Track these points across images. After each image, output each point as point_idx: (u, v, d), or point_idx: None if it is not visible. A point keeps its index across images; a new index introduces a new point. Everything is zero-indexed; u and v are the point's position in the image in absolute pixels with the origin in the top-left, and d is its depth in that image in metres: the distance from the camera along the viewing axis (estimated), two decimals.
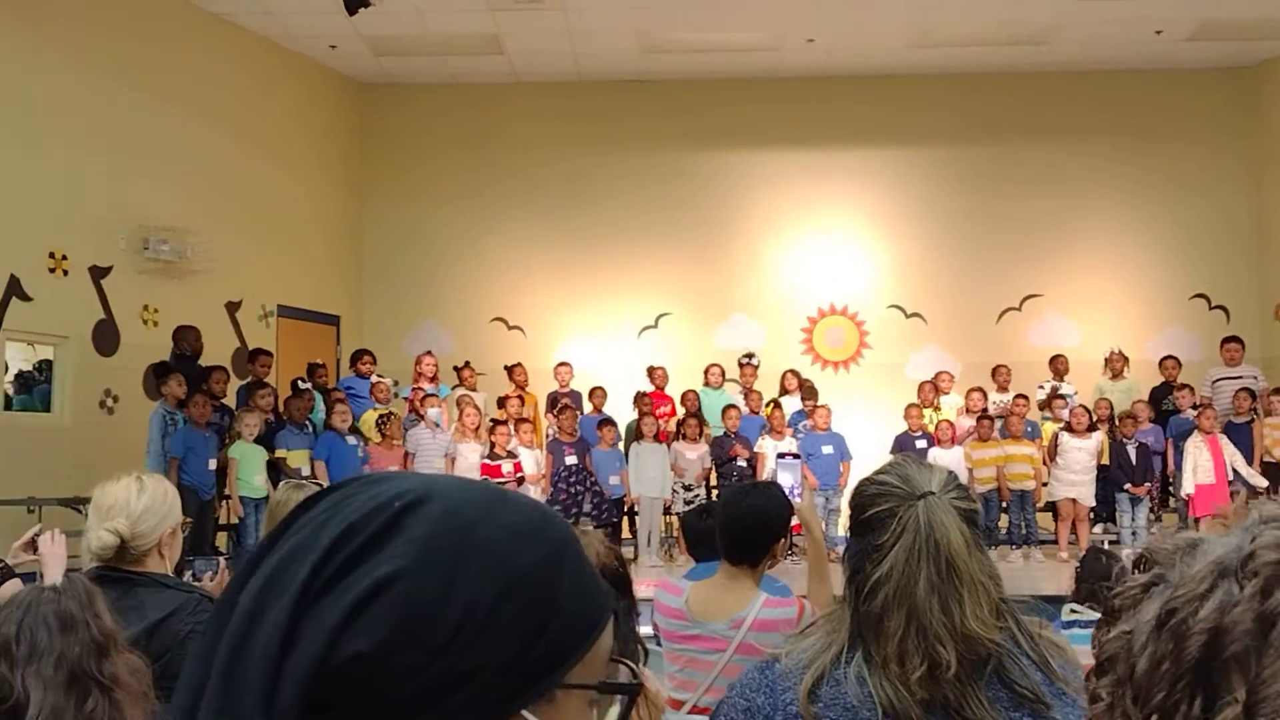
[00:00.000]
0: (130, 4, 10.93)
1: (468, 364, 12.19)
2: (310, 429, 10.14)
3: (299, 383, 10.37)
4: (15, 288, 9.68)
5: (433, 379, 11.54)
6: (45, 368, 10.44)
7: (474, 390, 11.92)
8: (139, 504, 2.91)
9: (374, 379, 11.24)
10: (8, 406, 9.94)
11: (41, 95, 9.89)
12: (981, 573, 1.72)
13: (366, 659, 0.74)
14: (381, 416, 10.46)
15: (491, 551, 0.79)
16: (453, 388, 12.00)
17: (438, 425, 10.73)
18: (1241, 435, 10.95)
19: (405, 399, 11.23)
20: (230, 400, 10.25)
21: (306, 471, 9.47)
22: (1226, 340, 12.34)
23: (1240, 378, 11.78)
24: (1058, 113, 14.04)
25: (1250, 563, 0.77)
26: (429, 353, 12.06)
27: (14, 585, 4.07)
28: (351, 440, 10.07)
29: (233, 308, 12.16)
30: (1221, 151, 14.05)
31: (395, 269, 14.25)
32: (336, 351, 13.59)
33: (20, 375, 10.42)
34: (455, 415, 11.18)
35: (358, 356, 11.77)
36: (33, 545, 3.80)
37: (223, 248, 11.62)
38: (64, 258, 10.17)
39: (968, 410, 11.71)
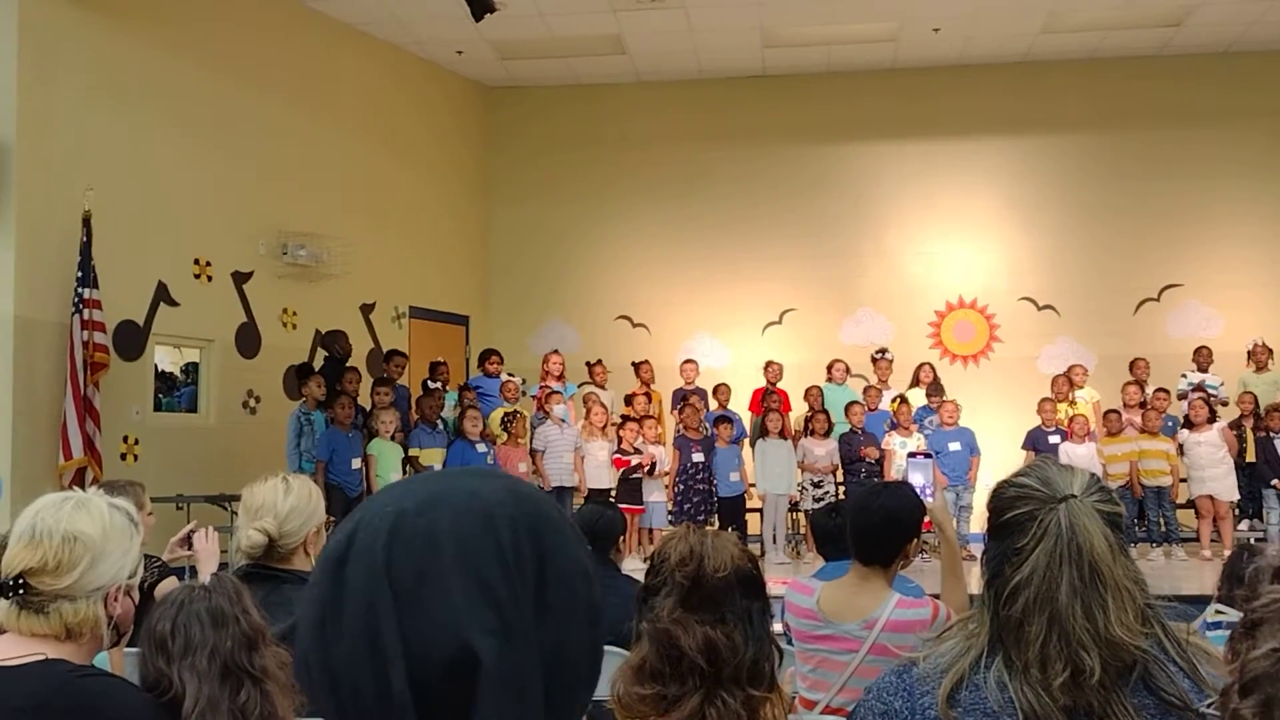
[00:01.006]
0: (267, 15, 11.29)
1: (599, 361, 12.29)
2: (444, 427, 10.33)
3: (429, 383, 10.59)
4: (163, 294, 10.08)
5: (560, 377, 11.67)
6: (191, 370, 10.86)
7: (604, 387, 12.01)
8: (285, 504, 3.02)
9: (503, 378, 11.41)
10: (157, 408, 10.37)
11: (184, 106, 10.28)
12: (1126, 578, 1.68)
13: None
14: (507, 415, 10.60)
15: None
16: (579, 385, 12.12)
17: (564, 421, 10.85)
18: None
19: (533, 397, 11.38)
20: (364, 400, 10.52)
21: (438, 469, 9.66)
22: None
23: None
24: (1193, 96, 13.56)
25: None
26: (555, 351, 12.20)
27: (170, 583, 4.27)
28: (481, 448, 10.20)
29: (367, 309, 12.49)
30: None
31: (521, 268, 14.46)
32: (466, 351, 13.84)
33: (163, 375, 10.86)
34: (582, 413, 11.29)
35: (485, 356, 11.97)
36: (188, 542, 3.98)
37: (357, 251, 11.93)
38: (208, 264, 10.56)
39: (1125, 404, 11.35)
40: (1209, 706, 1.64)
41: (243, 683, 2.17)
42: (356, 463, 9.55)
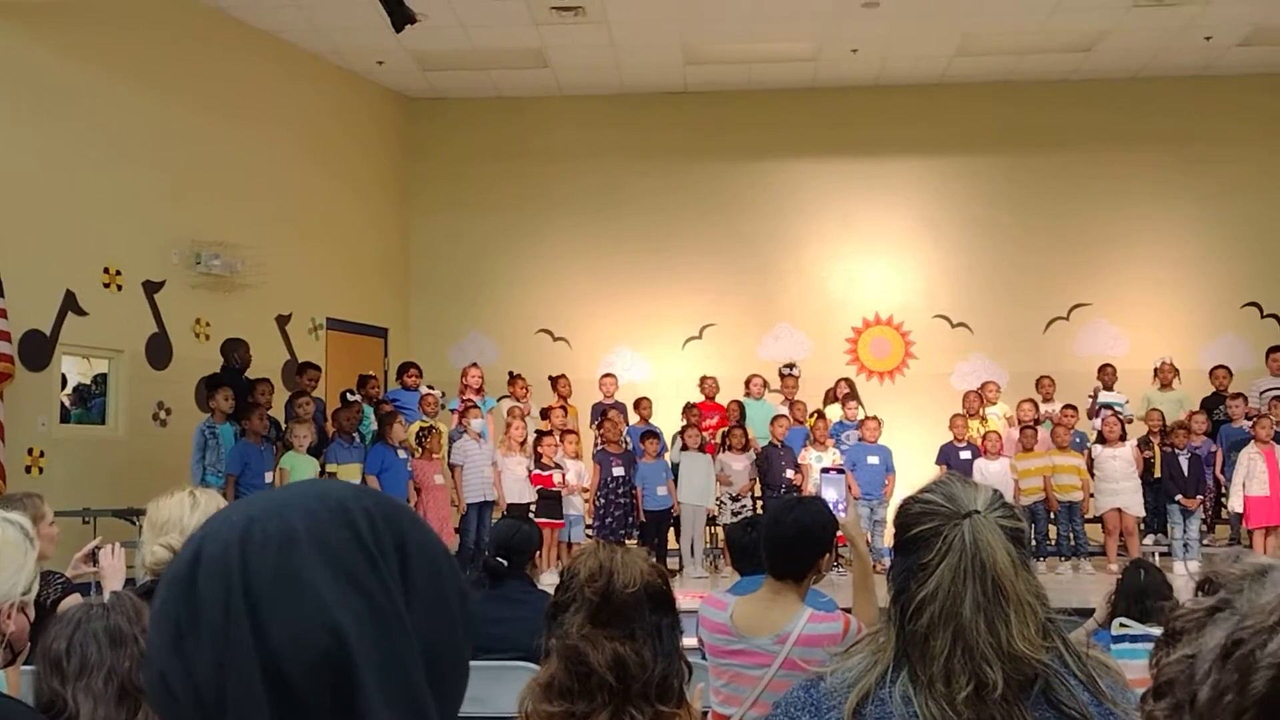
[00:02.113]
0: (182, 21, 11.11)
1: (520, 376, 12.25)
2: (359, 441, 10.21)
3: (348, 395, 10.46)
4: (71, 302, 9.85)
5: (479, 391, 11.60)
6: (100, 381, 10.61)
7: (524, 401, 11.96)
8: (192, 519, 2.96)
9: (423, 391, 11.31)
10: (65, 419, 10.10)
11: (94, 112, 10.07)
12: (1028, 592, 1.70)
13: None
14: (423, 429, 10.51)
15: None
16: (498, 399, 12.06)
17: (481, 436, 10.78)
18: None
19: (453, 411, 11.29)
20: (278, 413, 10.35)
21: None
22: (1273, 350, 12.14)
23: None
24: (1105, 120, 13.91)
25: None
26: (475, 364, 12.13)
27: (74, 599, 4.16)
28: (403, 454, 10.11)
29: (283, 320, 12.31)
30: (1272, 157, 13.86)
31: (441, 280, 14.37)
32: (384, 364, 13.70)
33: (77, 388, 10.59)
34: (502, 427, 11.23)
35: (404, 369, 11.85)
36: (93, 558, 3.88)
37: (273, 261, 11.77)
38: (118, 273, 10.34)
39: (1019, 421, 11.60)
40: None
41: (140, 704, 2.12)
42: (269, 476, 9.38)
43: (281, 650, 0.82)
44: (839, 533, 3.47)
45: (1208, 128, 13.83)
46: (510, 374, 12.26)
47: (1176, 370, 12.26)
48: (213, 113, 11.39)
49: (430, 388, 11.41)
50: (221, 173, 11.41)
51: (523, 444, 10.83)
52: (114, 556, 3.78)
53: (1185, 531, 10.78)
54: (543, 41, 12.63)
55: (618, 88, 14.17)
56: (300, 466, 9.47)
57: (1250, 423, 10.82)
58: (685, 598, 5.54)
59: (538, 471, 10.54)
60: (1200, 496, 10.86)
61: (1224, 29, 12.48)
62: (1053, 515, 11.07)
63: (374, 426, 10.43)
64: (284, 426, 9.97)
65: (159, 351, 10.78)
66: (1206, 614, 0.81)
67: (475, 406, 11.09)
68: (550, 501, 10.53)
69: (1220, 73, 13.75)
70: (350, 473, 9.68)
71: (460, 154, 14.43)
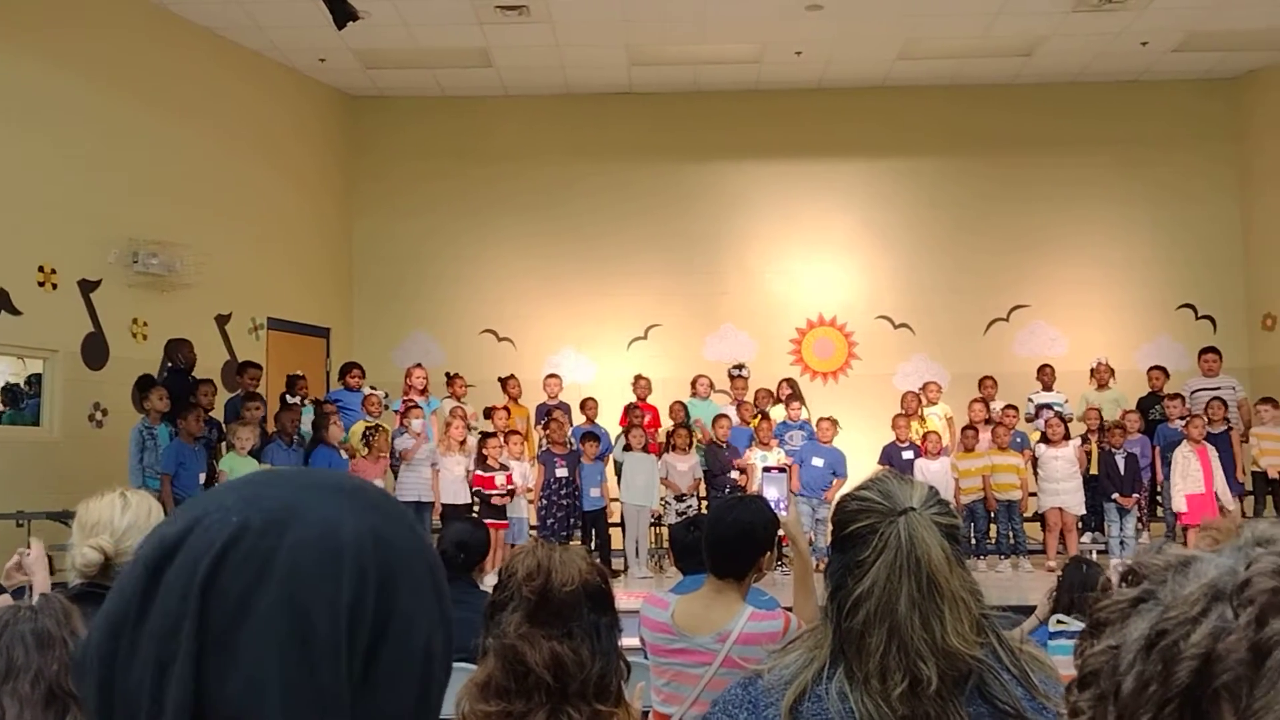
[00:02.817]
0: (118, 16, 10.94)
1: (458, 375, 12.18)
2: (299, 443, 10.10)
3: (287, 397, 10.35)
4: (4, 301, 9.66)
5: (423, 391, 11.52)
6: (34, 382, 10.42)
7: (463, 400, 11.91)
8: (123, 521, 2.91)
9: (365, 391, 11.22)
10: None
11: (29, 108, 9.89)
12: (963, 589, 1.72)
13: None
14: (368, 429, 10.44)
15: None
16: (443, 399, 11.99)
17: (419, 434, 10.70)
18: (1220, 445, 10.97)
19: (396, 411, 11.21)
20: (218, 414, 10.22)
21: None
22: (1204, 351, 12.38)
23: (1218, 389, 11.80)
24: (1044, 124, 14.10)
25: (1246, 589, 0.75)
26: (419, 365, 12.05)
27: (4, 601, 4.07)
28: (344, 454, 10.03)
29: (223, 320, 12.15)
30: (1207, 161, 14.12)
31: (385, 281, 14.26)
32: (326, 364, 13.58)
33: (9, 389, 10.39)
34: (444, 427, 11.16)
35: (347, 369, 11.75)
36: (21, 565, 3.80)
37: (213, 260, 11.62)
38: (53, 271, 10.15)
39: (970, 421, 11.70)
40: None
41: (69, 707, 2.08)
42: (203, 477, 9.26)
43: (202, 703, 0.75)
44: (781, 531, 3.48)
45: (1144, 132, 14.07)
46: (448, 374, 12.19)
47: (1113, 371, 12.46)
48: (152, 109, 11.22)
49: (373, 388, 11.33)
50: (161, 170, 11.25)
51: (462, 444, 10.77)
52: (34, 554, 3.70)
53: (1122, 529, 10.96)
54: (487, 41, 12.58)
55: (563, 88, 14.14)
56: (239, 468, 9.34)
57: (1184, 422, 11.02)
58: (629, 598, 5.55)
59: (480, 473, 10.49)
60: (1136, 495, 11.05)
61: (1160, 34, 12.70)
62: (992, 514, 11.20)
63: (309, 428, 10.33)
64: (225, 427, 9.85)
65: (95, 352, 10.60)
66: (1130, 605, 0.81)
67: (417, 406, 11.03)
68: (491, 503, 10.48)
69: (1156, 77, 14.00)
70: None
71: (405, 153, 14.33)
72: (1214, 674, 0.73)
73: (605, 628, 2.14)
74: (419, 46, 12.67)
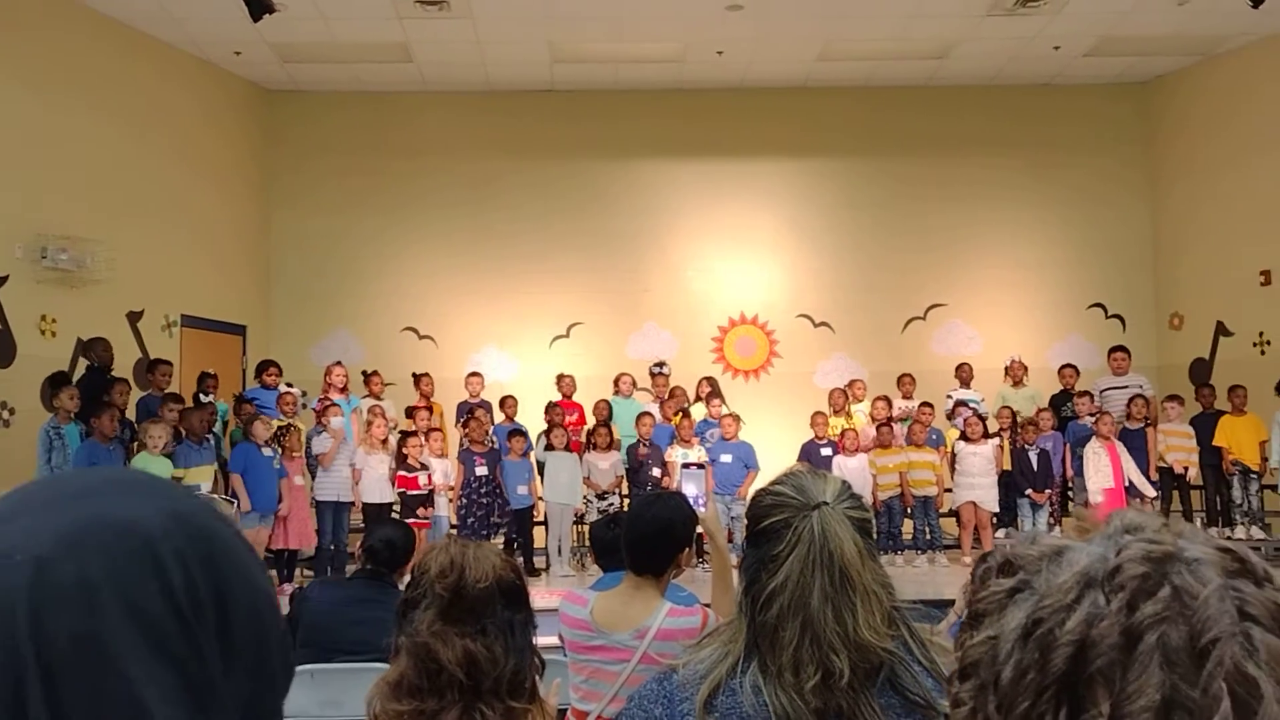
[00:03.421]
0: (26, 7, 10.65)
1: (376, 372, 12.06)
2: (211, 443, 9.91)
3: (201, 396, 10.15)
4: None
5: (343, 390, 11.38)
6: None
7: (380, 399, 11.79)
8: None
9: (281, 390, 11.05)
10: None
11: None
12: (875, 582, 1.74)
13: None
14: (281, 428, 10.28)
15: None
16: (363, 398, 11.85)
17: (337, 433, 10.58)
18: (1136, 441, 11.24)
19: (313, 410, 11.06)
20: (130, 413, 10.00)
21: (207, 488, 9.27)
22: (1114, 349, 12.67)
23: (1126, 387, 12.09)
24: (960, 126, 14.34)
25: (1116, 575, 0.77)
26: (338, 363, 11.89)
27: None
28: (267, 452, 9.86)
29: (134, 318, 11.89)
30: (1118, 164, 14.46)
31: (304, 278, 14.06)
32: (243, 362, 13.35)
33: None
34: (365, 426, 11.04)
35: (263, 367, 11.56)
36: None
37: (125, 256, 11.37)
38: None
39: (872, 418, 11.88)
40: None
41: None
42: None
43: None
44: (700, 528, 3.49)
45: (1056, 135, 14.36)
46: (365, 372, 12.07)
47: (1026, 368, 12.70)
48: (61, 102, 10.94)
49: (289, 386, 11.15)
50: (71, 164, 10.98)
51: (384, 442, 10.67)
52: None
53: (1034, 524, 11.16)
54: (406, 35, 12.46)
55: (484, 84, 14.06)
56: (153, 469, 9.15)
57: (1093, 419, 11.27)
58: (552, 596, 5.52)
59: (402, 473, 10.40)
60: (1049, 490, 11.27)
61: (1071, 39, 12.97)
62: (909, 510, 11.36)
63: (225, 426, 10.15)
64: (137, 427, 9.63)
65: (2, 349, 10.31)
66: (1007, 595, 0.82)
67: (336, 404, 10.90)
68: (413, 502, 10.40)
69: (1068, 81, 14.30)
70: (201, 475, 9.40)
71: (324, 148, 14.15)
72: (1089, 660, 0.75)
73: (520, 624, 2.13)
74: (337, 40, 12.51)
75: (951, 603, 5.44)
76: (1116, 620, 0.75)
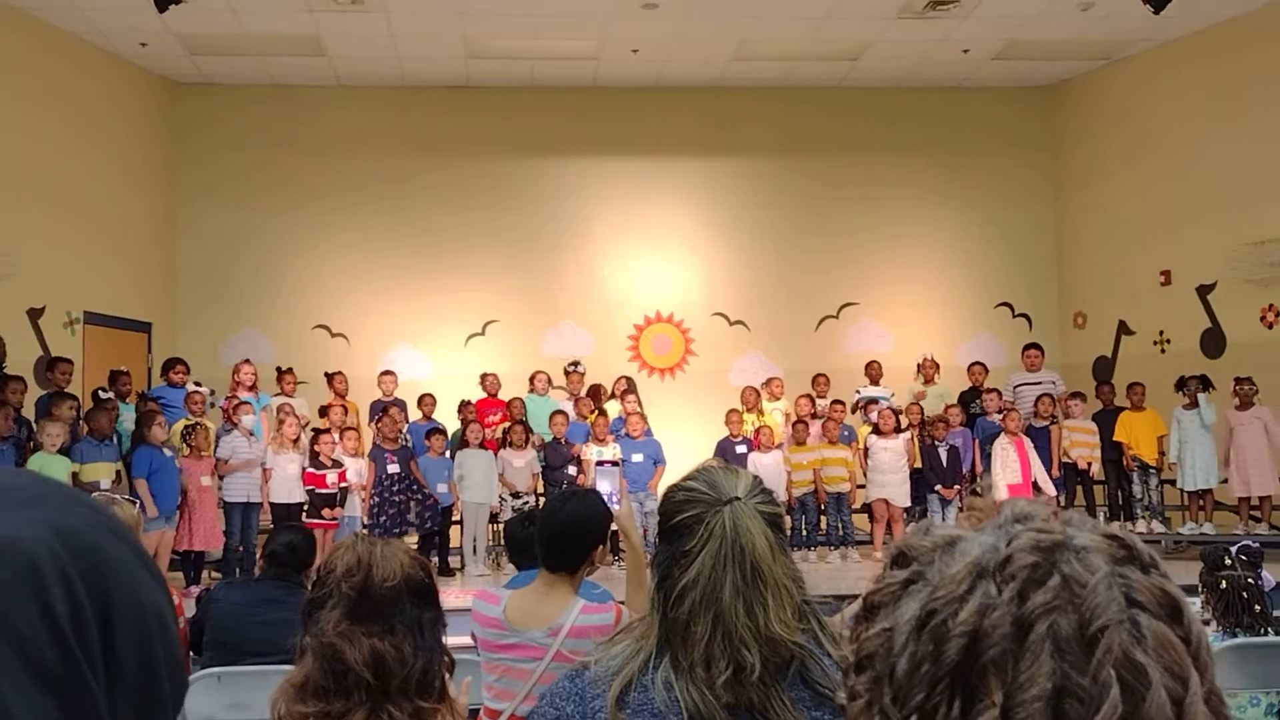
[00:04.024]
0: None
1: (290, 370, 11.88)
2: (115, 441, 9.68)
3: (100, 393, 9.90)
4: None
5: (251, 388, 11.19)
6: None
7: (292, 397, 11.61)
8: None
9: (189, 388, 10.83)
10: None
11: None
12: (785, 576, 1.75)
13: None
14: (188, 427, 10.08)
15: None
16: (274, 396, 11.67)
17: (252, 434, 10.41)
18: (1041, 439, 11.49)
19: (221, 408, 10.85)
20: (30, 413, 9.71)
21: (107, 485, 9.05)
22: (1027, 347, 12.97)
23: (1040, 383, 12.37)
24: (872, 127, 14.52)
25: (1008, 565, 0.77)
26: (247, 360, 11.70)
27: None
28: (168, 452, 9.66)
29: (35, 314, 11.55)
30: (1024, 166, 14.77)
31: (212, 274, 13.78)
32: (148, 360, 13.05)
33: None
34: (275, 424, 10.87)
35: (170, 365, 11.31)
36: None
37: (25, 251, 11.05)
38: None
39: (795, 415, 11.97)
40: None
41: None
42: None
43: None
44: (614, 525, 3.49)
45: (964, 137, 14.62)
46: (279, 369, 11.88)
47: (937, 366, 12.92)
48: None
49: (197, 385, 10.93)
50: None
51: (296, 441, 10.51)
52: None
53: (944, 520, 11.35)
54: (318, 28, 12.28)
55: (398, 79, 13.91)
56: (50, 468, 8.91)
57: (1001, 416, 11.49)
58: (466, 596, 5.47)
59: (312, 470, 10.25)
60: (957, 486, 11.46)
61: (980, 43, 13.21)
62: (823, 506, 11.48)
63: (131, 426, 9.91)
64: (35, 425, 9.36)
65: None
66: (901, 587, 0.83)
67: (247, 403, 10.71)
68: (324, 501, 10.25)
69: (977, 84, 14.55)
70: (99, 471, 9.19)
71: (233, 142, 13.88)
72: (981, 650, 0.75)
73: (429, 623, 2.10)
74: (246, 32, 12.28)
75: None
76: (1008, 610, 0.75)
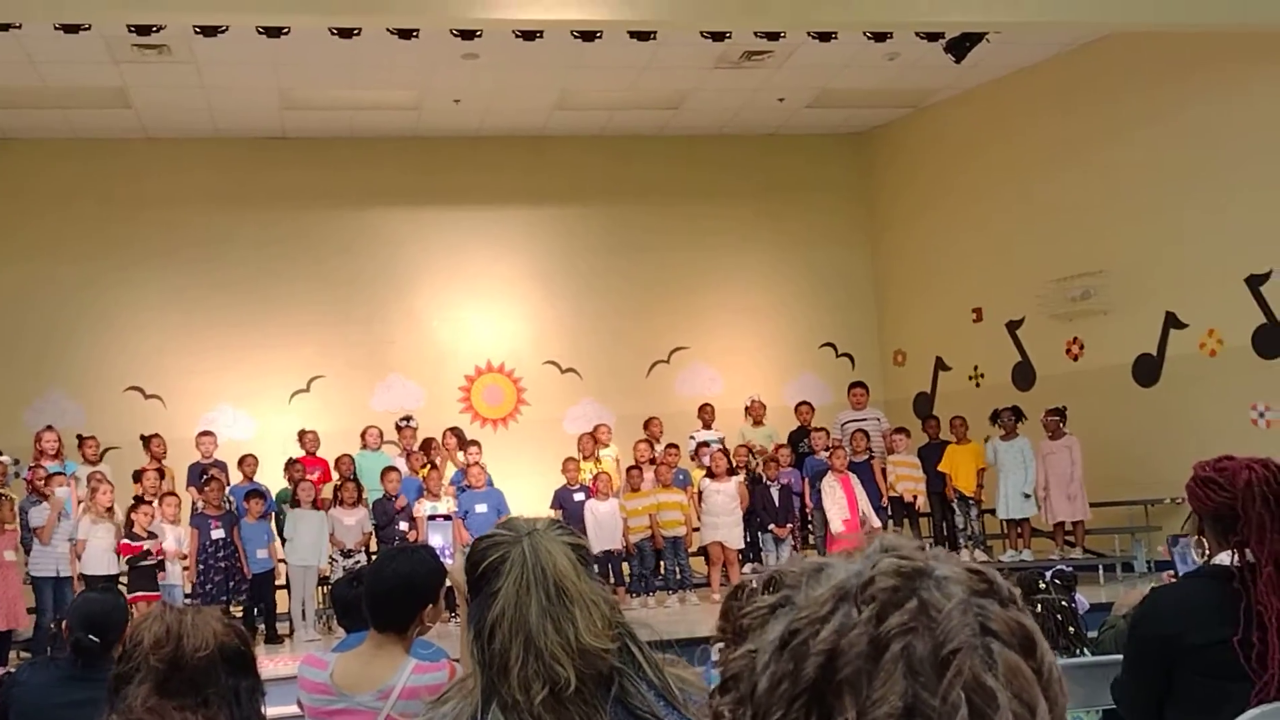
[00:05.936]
0: None
1: (92, 437, 11.31)
2: None
3: None
4: None
5: (56, 455, 10.62)
6: None
7: (96, 464, 11.06)
8: None
9: None
10: None
11: None
12: (592, 592, 1.79)
13: None
14: None
15: None
16: (80, 465, 11.10)
17: (59, 505, 9.86)
18: (865, 473, 11.80)
19: (24, 479, 10.26)
20: None
21: None
22: (853, 385, 13.36)
23: (865, 419, 12.74)
24: (693, 174, 14.79)
25: (869, 588, 0.80)
26: (49, 427, 11.10)
27: None
28: None
29: None
30: (841, 210, 15.25)
31: (15, 335, 13.03)
32: None
33: None
34: (89, 493, 10.33)
35: None
36: None
37: None
38: None
39: (635, 460, 11.98)
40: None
41: None
42: None
43: None
44: (449, 580, 3.42)
45: (784, 182, 15.00)
46: (79, 436, 11.30)
47: (765, 407, 13.16)
48: None
49: None
50: None
51: (109, 510, 10.01)
52: None
53: (778, 558, 11.52)
54: (124, 80, 11.86)
55: (212, 131, 13.52)
56: None
57: (828, 453, 11.77)
58: (295, 663, 5.27)
59: (127, 541, 9.78)
60: (790, 524, 11.67)
61: (794, 92, 13.63)
62: (660, 551, 11.52)
63: None
64: None
65: None
66: (769, 611, 0.85)
67: (59, 473, 10.17)
68: (143, 572, 9.79)
69: (793, 131, 14.99)
70: None
71: (37, 199, 13.23)
72: (838, 668, 0.77)
73: (245, 691, 2.00)
74: (48, 85, 11.78)
75: (705, 639, 5.52)
76: (865, 630, 0.78)
